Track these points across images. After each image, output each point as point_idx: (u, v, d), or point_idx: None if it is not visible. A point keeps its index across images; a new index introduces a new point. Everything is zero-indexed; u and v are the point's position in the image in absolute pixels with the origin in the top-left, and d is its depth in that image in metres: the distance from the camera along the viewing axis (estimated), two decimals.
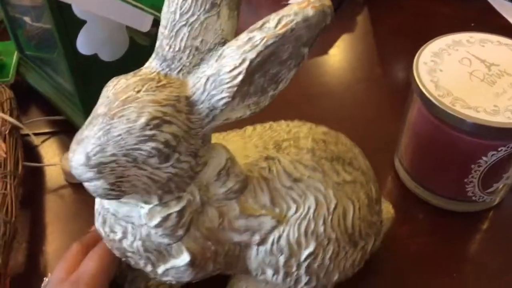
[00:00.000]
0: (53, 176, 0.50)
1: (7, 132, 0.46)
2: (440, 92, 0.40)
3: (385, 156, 0.52)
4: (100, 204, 0.33)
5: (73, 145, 0.28)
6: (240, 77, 0.26)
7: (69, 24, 0.44)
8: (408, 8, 0.73)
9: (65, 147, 0.53)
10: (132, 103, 0.27)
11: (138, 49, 0.50)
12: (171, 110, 0.27)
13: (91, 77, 0.49)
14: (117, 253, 0.34)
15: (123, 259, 0.34)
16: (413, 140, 0.46)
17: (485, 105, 0.39)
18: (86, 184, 0.28)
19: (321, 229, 0.33)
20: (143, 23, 0.43)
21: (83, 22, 0.44)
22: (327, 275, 0.35)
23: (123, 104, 0.27)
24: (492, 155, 0.40)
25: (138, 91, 0.27)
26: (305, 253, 0.34)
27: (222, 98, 0.27)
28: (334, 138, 0.36)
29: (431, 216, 0.47)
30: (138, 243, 0.32)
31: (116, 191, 0.28)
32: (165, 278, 0.34)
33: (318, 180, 0.34)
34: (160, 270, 0.33)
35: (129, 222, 0.31)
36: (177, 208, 0.30)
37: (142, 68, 0.30)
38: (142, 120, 0.26)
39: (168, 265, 0.33)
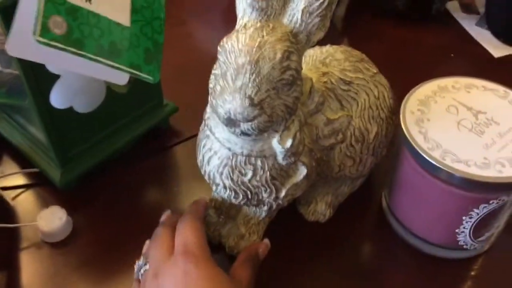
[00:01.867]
0: (29, 235, 0.47)
1: None
2: (429, 144, 0.40)
3: (372, 192, 0.51)
4: (225, 157, 0.38)
5: (227, 97, 0.34)
6: (325, 4, 0.34)
7: (41, 78, 0.42)
8: (387, 37, 0.72)
9: (40, 202, 0.50)
10: (265, 45, 0.33)
11: (115, 98, 0.48)
12: (289, 43, 0.34)
13: (66, 128, 0.47)
14: (240, 197, 0.40)
15: (242, 202, 0.41)
16: (402, 188, 0.45)
17: (475, 158, 0.39)
18: (247, 126, 0.34)
19: (376, 112, 0.43)
20: (122, 77, 0.41)
21: (56, 75, 0.42)
22: (382, 151, 0.45)
23: (260, 48, 0.33)
24: (484, 207, 0.40)
25: (263, 36, 0.34)
26: (371, 136, 0.43)
27: (315, 24, 0.35)
28: (348, 49, 0.45)
29: (423, 264, 0.46)
30: (266, 174, 0.39)
31: (271, 122, 0.35)
32: (284, 199, 0.41)
33: (362, 78, 0.43)
34: (283, 193, 0.40)
35: (261, 157, 0.38)
36: (297, 128, 0.38)
37: (241, 23, 0.36)
38: (279, 55, 0.33)
39: (288, 185, 0.40)
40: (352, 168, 0.44)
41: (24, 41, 0.34)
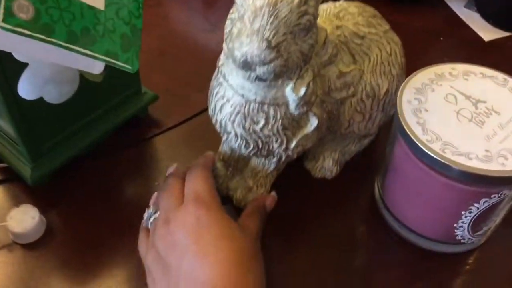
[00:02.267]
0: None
1: None
2: (428, 136, 0.37)
3: (364, 183, 0.49)
4: (238, 105, 0.38)
5: (244, 39, 0.33)
6: None
7: (6, 66, 0.38)
8: None
9: (10, 200, 0.46)
10: None
11: (89, 87, 0.45)
12: None
13: (36, 121, 0.43)
14: (251, 146, 0.40)
15: (252, 152, 0.41)
16: (397, 181, 0.43)
17: (477, 151, 0.37)
18: (263, 70, 0.34)
19: (388, 68, 0.43)
20: (96, 66, 0.37)
21: (24, 64, 0.38)
22: (391, 109, 0.45)
23: None
24: (485, 202, 0.38)
25: None
26: (382, 92, 0.43)
27: None
28: (361, 4, 0.45)
29: (417, 259, 0.44)
30: (278, 123, 0.39)
31: (286, 67, 0.35)
32: (294, 151, 0.41)
33: (374, 34, 0.43)
34: (293, 143, 0.40)
35: (274, 104, 0.38)
36: (310, 77, 0.38)
37: None
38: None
39: (299, 136, 0.40)
40: (361, 124, 0.44)
41: None
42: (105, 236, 0.44)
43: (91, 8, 0.33)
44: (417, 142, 0.37)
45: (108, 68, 0.37)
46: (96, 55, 0.34)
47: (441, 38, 0.67)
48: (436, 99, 0.40)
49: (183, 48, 0.64)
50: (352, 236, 0.46)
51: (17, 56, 0.37)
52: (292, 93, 0.37)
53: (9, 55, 0.36)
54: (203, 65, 0.60)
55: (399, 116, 0.39)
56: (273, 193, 0.45)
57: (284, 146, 0.41)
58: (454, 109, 0.40)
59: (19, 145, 0.44)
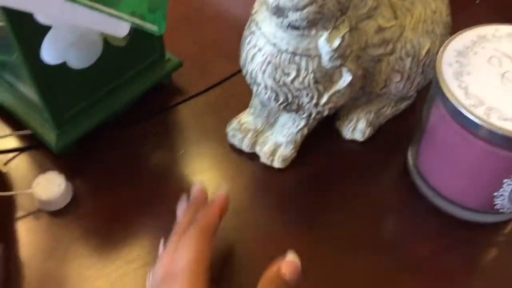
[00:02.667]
0: (24, 204, 0.43)
1: None
2: (471, 101, 0.35)
3: (396, 152, 0.48)
4: (269, 54, 0.38)
5: None
6: None
7: (30, 30, 0.36)
8: None
9: (35, 167, 0.46)
10: None
11: (112, 52, 0.43)
12: None
13: (60, 87, 0.42)
14: (281, 99, 0.39)
15: (282, 106, 0.40)
16: (435, 149, 0.41)
17: None
18: (296, 16, 0.34)
19: (431, 27, 0.41)
20: (122, 28, 0.36)
21: (47, 27, 0.37)
22: (431, 72, 0.43)
23: None
24: None
25: None
26: (423, 51, 0.41)
27: None
28: None
29: (453, 229, 0.42)
30: (310, 77, 0.38)
31: (320, 14, 0.34)
32: (325, 107, 0.40)
33: None
34: (324, 98, 0.39)
35: (306, 55, 0.37)
36: (346, 29, 0.36)
37: None
38: None
39: (331, 91, 0.39)
40: (398, 84, 0.43)
41: None
42: (130, 204, 0.44)
43: None
44: (459, 107, 0.35)
45: (132, 31, 0.36)
46: (121, 15, 0.32)
47: (477, 1, 0.64)
48: (479, 62, 0.38)
49: (208, 14, 0.62)
50: (382, 205, 0.45)
51: (40, 18, 0.36)
52: (325, 44, 0.36)
53: (31, 18, 0.35)
54: (228, 31, 0.58)
55: (439, 79, 0.37)
56: (292, 258, 0.33)
57: (314, 101, 0.40)
58: (499, 72, 0.37)
59: (44, 111, 0.43)
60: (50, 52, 0.38)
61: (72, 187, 0.44)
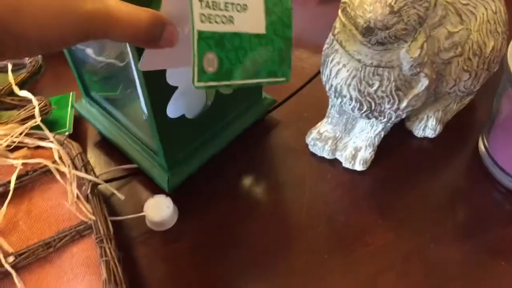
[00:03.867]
0: (137, 225, 0.47)
1: (88, 191, 0.44)
2: None
3: (466, 143, 0.51)
4: (354, 69, 0.42)
5: (367, 7, 0.36)
6: None
7: (157, 90, 0.40)
8: None
9: (144, 191, 0.50)
10: None
11: (222, 100, 0.48)
12: None
13: (177, 134, 0.46)
14: (364, 108, 0.44)
15: (365, 114, 0.44)
16: (506, 136, 0.44)
17: None
18: (385, 34, 0.37)
19: (494, 26, 0.45)
20: None
21: (171, 86, 0.41)
22: (495, 67, 0.47)
23: None
24: None
25: None
26: (488, 50, 0.45)
27: None
28: None
29: None
30: (392, 85, 0.42)
31: (406, 30, 0.38)
32: (404, 110, 0.44)
33: None
34: (404, 103, 0.43)
35: (388, 67, 0.41)
36: (424, 39, 0.40)
37: None
38: None
39: (410, 96, 0.43)
40: (467, 82, 0.47)
41: (156, 54, 0.32)
42: (231, 223, 0.47)
43: (256, 36, 0.33)
44: None
45: None
46: (261, 80, 0.34)
47: None
48: None
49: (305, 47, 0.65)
50: (459, 193, 0.48)
51: (170, 80, 0.40)
52: (407, 55, 0.40)
53: (159, 79, 0.39)
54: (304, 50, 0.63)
55: (510, 69, 0.40)
56: None
57: (395, 106, 0.44)
58: None
59: (159, 156, 0.47)
60: (174, 109, 0.43)
61: (177, 208, 0.48)
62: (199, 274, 0.44)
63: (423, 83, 0.43)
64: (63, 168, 0.45)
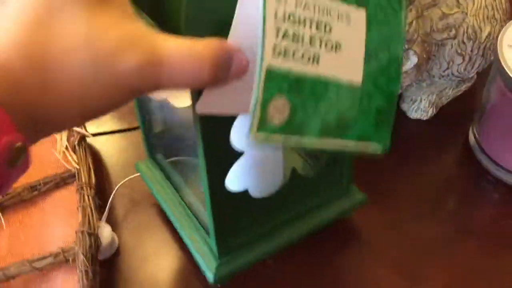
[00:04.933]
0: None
1: (76, 142, 0.46)
2: None
3: (458, 130, 0.51)
4: None
5: None
6: None
7: (215, 156, 0.32)
8: None
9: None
10: None
11: (298, 182, 0.38)
12: None
13: (235, 213, 0.37)
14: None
15: None
16: (495, 124, 0.44)
17: None
18: None
19: (491, 13, 0.45)
20: None
21: (230, 154, 0.31)
22: (490, 55, 0.47)
23: None
24: None
25: None
26: (484, 35, 0.45)
27: None
28: None
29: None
30: None
31: None
32: None
33: None
34: None
35: None
36: (413, 17, 0.40)
37: None
38: None
39: None
40: (460, 66, 0.47)
41: (219, 93, 0.25)
42: None
43: (348, 86, 0.25)
44: None
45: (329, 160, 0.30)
46: (347, 143, 0.26)
47: None
48: None
49: None
50: (446, 177, 0.49)
51: (236, 144, 0.29)
52: None
53: (221, 139, 0.29)
54: None
55: (499, 58, 0.40)
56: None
57: None
58: None
59: (210, 237, 0.38)
60: (235, 180, 0.33)
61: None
62: None
63: (412, 60, 0.43)
64: None
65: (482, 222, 0.45)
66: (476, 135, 0.47)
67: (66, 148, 0.46)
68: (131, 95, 0.22)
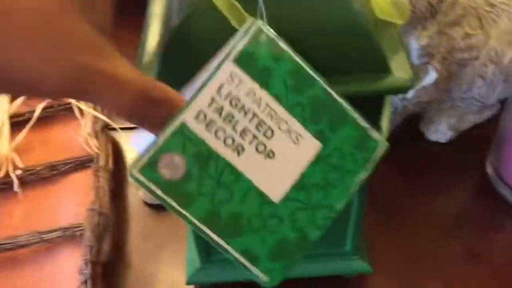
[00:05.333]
0: None
1: (99, 129, 0.48)
2: None
3: (475, 160, 0.50)
4: None
5: None
6: None
7: None
8: None
9: None
10: None
11: None
12: None
13: None
14: None
15: None
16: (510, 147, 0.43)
17: None
18: None
19: None
20: None
21: None
22: None
23: None
24: None
25: None
26: (506, 60, 0.45)
27: None
28: None
29: None
30: None
31: (413, 14, 0.39)
32: (411, 101, 0.45)
33: (506, 4, 0.45)
34: (410, 94, 0.45)
35: None
36: (435, 30, 0.42)
37: None
38: None
39: (418, 87, 0.45)
40: (481, 89, 0.46)
41: None
42: None
43: (261, 195, 0.24)
44: None
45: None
46: (229, 249, 0.24)
47: None
48: None
49: None
50: (462, 204, 0.48)
51: None
52: (415, 42, 0.41)
53: None
54: None
55: None
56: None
57: (401, 95, 0.44)
58: None
59: None
60: None
61: None
62: None
63: (432, 76, 0.43)
64: (83, 107, 0.49)
65: (496, 248, 0.44)
66: (494, 162, 0.47)
67: (89, 134, 0.48)
68: (71, 88, 0.20)
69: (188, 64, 0.26)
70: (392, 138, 0.49)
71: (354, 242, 0.39)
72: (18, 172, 0.45)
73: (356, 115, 0.24)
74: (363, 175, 0.25)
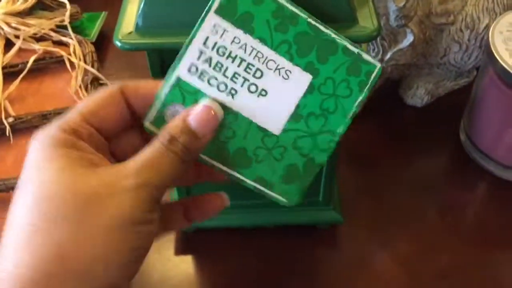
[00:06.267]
0: None
1: (89, 82, 0.49)
2: None
3: (450, 125, 0.53)
4: None
5: None
6: None
7: None
8: None
9: None
10: None
11: None
12: None
13: None
14: None
15: None
16: (482, 111, 0.46)
17: None
18: None
19: (491, 5, 0.46)
20: None
21: None
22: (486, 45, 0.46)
23: None
24: None
25: None
26: (482, 26, 0.46)
27: None
28: None
29: (493, 186, 0.47)
30: None
31: None
32: (388, 63, 0.47)
33: None
34: (387, 55, 0.47)
35: None
36: None
37: None
38: None
39: (394, 49, 0.46)
40: (457, 55, 0.48)
41: None
42: None
43: (261, 130, 0.27)
44: (503, 65, 0.40)
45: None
46: (243, 178, 0.27)
47: None
48: None
49: None
50: (435, 167, 0.50)
51: None
52: (393, 4, 0.42)
53: None
54: None
55: (490, 42, 0.42)
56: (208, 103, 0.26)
57: (379, 57, 0.47)
58: None
59: None
60: None
61: None
62: None
63: (409, 38, 0.45)
64: (74, 60, 0.51)
65: (463, 205, 0.46)
66: (466, 125, 0.49)
67: (80, 87, 0.49)
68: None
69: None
70: (372, 102, 0.52)
71: (326, 193, 0.41)
72: (10, 119, 0.47)
73: (345, 42, 0.26)
74: (361, 98, 0.26)
